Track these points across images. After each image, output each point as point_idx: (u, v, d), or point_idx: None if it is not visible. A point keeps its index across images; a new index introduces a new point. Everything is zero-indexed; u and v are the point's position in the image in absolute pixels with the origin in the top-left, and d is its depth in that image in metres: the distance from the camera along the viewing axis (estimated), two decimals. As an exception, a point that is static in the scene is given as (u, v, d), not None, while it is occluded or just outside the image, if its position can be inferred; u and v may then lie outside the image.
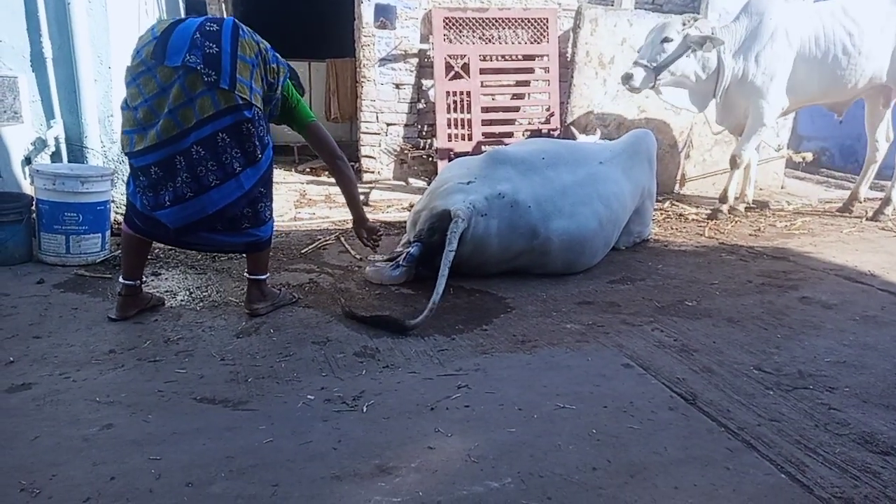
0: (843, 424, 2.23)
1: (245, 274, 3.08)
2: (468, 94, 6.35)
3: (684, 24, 4.96)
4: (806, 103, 5.66)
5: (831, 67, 5.14)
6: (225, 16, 7.08)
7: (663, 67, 4.95)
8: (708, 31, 4.97)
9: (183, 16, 5.67)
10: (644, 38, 5.20)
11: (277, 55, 2.93)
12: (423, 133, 6.63)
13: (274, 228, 3.04)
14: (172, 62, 2.60)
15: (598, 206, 3.78)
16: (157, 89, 2.62)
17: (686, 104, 5.28)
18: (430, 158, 6.53)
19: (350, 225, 4.58)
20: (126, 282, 2.91)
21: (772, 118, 5.25)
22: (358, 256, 4.00)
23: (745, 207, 5.64)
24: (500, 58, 6.57)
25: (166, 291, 3.27)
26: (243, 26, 2.78)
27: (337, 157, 3.23)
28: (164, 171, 2.66)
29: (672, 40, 4.93)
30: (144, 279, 3.04)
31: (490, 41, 6.49)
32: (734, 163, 5.34)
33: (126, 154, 2.76)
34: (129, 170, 2.82)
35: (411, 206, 4.85)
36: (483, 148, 6.01)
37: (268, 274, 3.10)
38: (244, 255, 3.03)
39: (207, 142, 2.65)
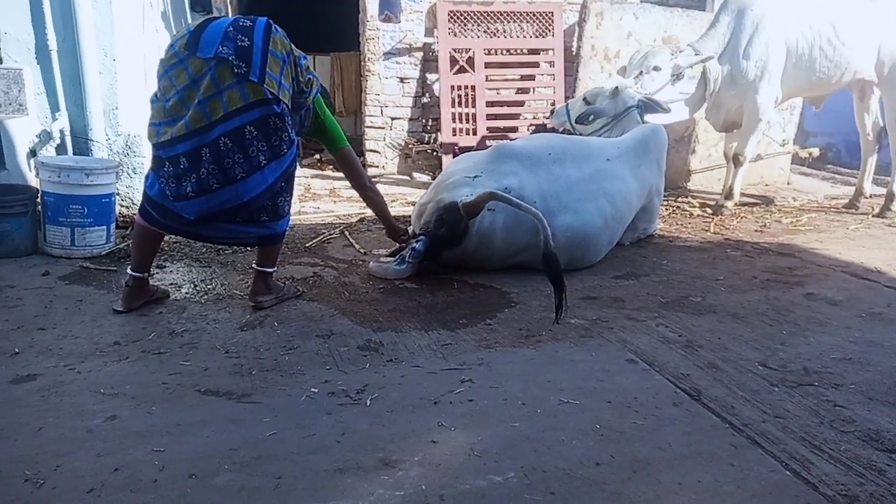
0: (848, 421, 2.22)
1: (253, 265, 3.08)
2: (473, 88, 6.32)
3: (672, 55, 4.92)
4: (792, 96, 5.67)
5: (819, 60, 5.14)
6: (230, 8, 7.07)
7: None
8: (693, 57, 4.93)
9: (188, 8, 5.65)
10: (630, 62, 5.14)
11: (311, 68, 2.99)
12: (428, 127, 6.61)
13: (289, 223, 3.05)
14: (205, 53, 2.63)
15: (603, 203, 3.76)
16: (188, 80, 2.65)
17: (678, 116, 5.23)
18: (435, 153, 6.51)
19: (355, 220, 4.70)
20: (135, 273, 2.92)
21: (768, 111, 5.24)
22: (362, 251, 3.99)
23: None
24: (504, 52, 6.54)
25: (171, 284, 3.28)
26: (277, 26, 2.81)
27: (367, 188, 3.45)
28: (190, 161, 2.68)
29: (661, 69, 4.91)
30: (151, 272, 3.05)
31: (495, 35, 6.46)
32: (737, 161, 5.34)
33: (153, 145, 2.78)
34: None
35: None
36: (487, 142, 5.99)
37: (275, 268, 3.10)
38: (252, 248, 3.03)
39: (235, 134, 2.66)
